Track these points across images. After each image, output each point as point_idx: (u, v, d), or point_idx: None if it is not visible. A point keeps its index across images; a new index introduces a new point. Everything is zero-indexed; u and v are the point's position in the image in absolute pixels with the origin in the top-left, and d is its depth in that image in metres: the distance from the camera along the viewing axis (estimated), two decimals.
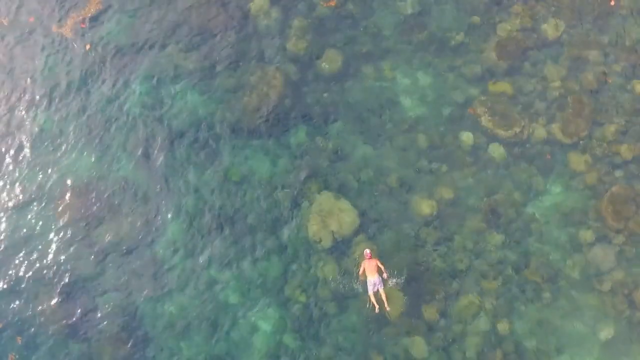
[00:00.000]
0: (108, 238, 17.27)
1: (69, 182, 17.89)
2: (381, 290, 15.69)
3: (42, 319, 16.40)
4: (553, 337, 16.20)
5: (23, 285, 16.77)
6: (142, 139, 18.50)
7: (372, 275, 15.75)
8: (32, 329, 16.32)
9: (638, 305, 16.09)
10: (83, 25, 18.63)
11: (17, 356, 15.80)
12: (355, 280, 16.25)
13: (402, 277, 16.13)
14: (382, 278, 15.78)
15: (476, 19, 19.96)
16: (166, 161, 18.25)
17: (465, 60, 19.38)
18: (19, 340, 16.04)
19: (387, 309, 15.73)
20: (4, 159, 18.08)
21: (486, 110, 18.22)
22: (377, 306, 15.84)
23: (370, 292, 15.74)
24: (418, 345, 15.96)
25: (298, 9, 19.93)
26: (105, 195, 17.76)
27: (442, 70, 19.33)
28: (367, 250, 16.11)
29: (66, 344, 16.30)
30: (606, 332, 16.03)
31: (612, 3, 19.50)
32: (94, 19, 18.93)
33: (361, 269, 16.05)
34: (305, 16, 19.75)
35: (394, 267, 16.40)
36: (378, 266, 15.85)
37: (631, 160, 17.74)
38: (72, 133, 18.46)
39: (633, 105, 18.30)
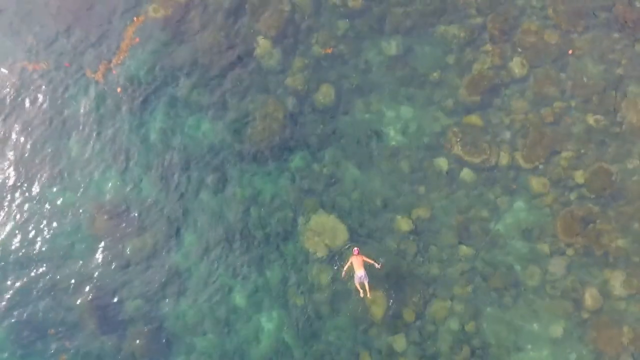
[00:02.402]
0: (133, 250, 19.11)
1: (98, 202, 19.62)
2: (365, 283, 17.88)
3: (82, 323, 18.32)
4: (513, 335, 18.33)
5: (64, 294, 18.57)
6: (162, 163, 20.16)
7: (359, 269, 17.82)
8: (76, 333, 18.21)
9: (584, 307, 18.38)
10: (114, 72, 20.46)
11: (67, 357, 17.88)
12: (341, 270, 18.38)
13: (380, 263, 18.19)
14: (367, 270, 17.82)
15: (452, 58, 21.52)
16: (182, 182, 19.99)
17: (442, 94, 21.03)
18: (67, 344, 18.01)
19: (369, 296, 18.01)
20: (44, 182, 19.90)
21: (459, 139, 20.32)
22: (361, 292, 18.03)
23: (357, 283, 17.96)
24: (398, 341, 18.18)
25: (297, 50, 21.47)
26: (131, 213, 19.55)
27: (421, 104, 20.97)
28: (356, 248, 18.20)
29: (102, 343, 18.22)
30: (557, 331, 18.23)
31: (570, 52, 21.34)
32: (123, 65, 20.69)
33: (348, 263, 18.09)
34: (303, 56, 21.36)
35: (378, 274, 18.46)
36: (364, 261, 17.86)
37: (583, 183, 19.72)
38: (100, 159, 20.19)
39: (586, 136, 20.34)
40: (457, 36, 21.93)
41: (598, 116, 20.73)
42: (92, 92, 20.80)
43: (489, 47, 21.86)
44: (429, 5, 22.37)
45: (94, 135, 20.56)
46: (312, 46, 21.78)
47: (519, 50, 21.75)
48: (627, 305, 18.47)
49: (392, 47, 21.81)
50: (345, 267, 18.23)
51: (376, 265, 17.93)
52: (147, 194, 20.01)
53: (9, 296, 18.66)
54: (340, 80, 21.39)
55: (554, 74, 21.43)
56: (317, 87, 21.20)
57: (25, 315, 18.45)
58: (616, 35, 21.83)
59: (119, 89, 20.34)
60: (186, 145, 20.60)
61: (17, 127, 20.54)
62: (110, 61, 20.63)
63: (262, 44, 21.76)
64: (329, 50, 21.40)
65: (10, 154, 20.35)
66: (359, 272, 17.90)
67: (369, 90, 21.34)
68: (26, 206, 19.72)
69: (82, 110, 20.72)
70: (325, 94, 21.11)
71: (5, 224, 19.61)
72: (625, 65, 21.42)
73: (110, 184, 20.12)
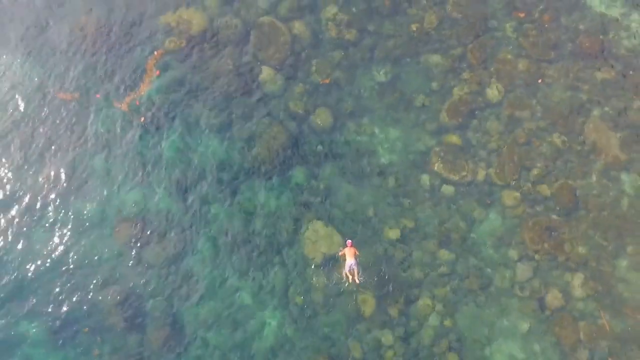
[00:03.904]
0: (153, 256, 21.30)
1: (121, 212, 21.88)
2: (355, 270, 20.35)
3: (109, 320, 20.50)
4: (486, 330, 20.49)
5: (93, 294, 20.74)
6: (177, 178, 22.36)
7: (350, 259, 20.33)
8: (104, 329, 20.40)
9: (547, 306, 20.66)
10: (138, 103, 22.85)
11: (99, 352, 20.16)
12: (337, 262, 20.86)
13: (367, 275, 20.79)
14: (356, 261, 20.39)
15: (435, 84, 23.70)
16: (196, 195, 22.09)
17: (426, 117, 23.18)
18: (99, 340, 20.28)
19: (357, 281, 20.44)
20: (73, 196, 22.19)
21: (441, 158, 22.61)
22: (349, 279, 20.43)
23: (347, 270, 20.37)
24: (385, 336, 20.30)
25: (297, 77, 23.69)
26: (150, 223, 21.76)
27: (408, 126, 23.09)
28: (349, 240, 20.58)
29: (125, 337, 20.42)
30: (524, 326, 20.39)
31: (540, 81, 23.65)
32: (145, 95, 23.07)
33: (342, 252, 20.57)
34: (303, 83, 23.58)
35: (368, 276, 20.82)
36: (355, 253, 20.36)
37: (549, 197, 21.98)
38: (123, 175, 22.41)
39: (552, 155, 22.62)
40: (440, 64, 24.24)
41: (564, 137, 23.04)
42: (117, 119, 23.17)
43: (468, 74, 24.11)
44: (415, 37, 24.75)
45: (117, 154, 22.86)
46: (311, 74, 24.08)
47: (495, 77, 24.02)
48: (584, 304, 20.81)
49: (382, 74, 24.06)
50: (341, 253, 20.70)
51: (357, 277, 20.49)
52: (165, 205, 22.20)
53: (44, 296, 20.99)
54: (336, 104, 23.61)
55: (526, 98, 23.71)
56: (315, 110, 23.41)
57: (60, 313, 20.76)
58: (581, 63, 24.23)
59: (142, 119, 22.70)
60: (199, 162, 22.79)
61: (50, 148, 22.92)
62: (134, 92, 23.08)
63: (266, 72, 23.95)
64: (327, 81, 23.65)
65: (45, 171, 22.69)
66: (350, 261, 20.35)
67: (361, 114, 23.55)
68: (59, 217, 22.06)
69: (107, 134, 23.07)
70: (322, 117, 23.31)
71: (39, 232, 21.90)
72: (588, 90, 23.80)
73: (131, 197, 22.35)
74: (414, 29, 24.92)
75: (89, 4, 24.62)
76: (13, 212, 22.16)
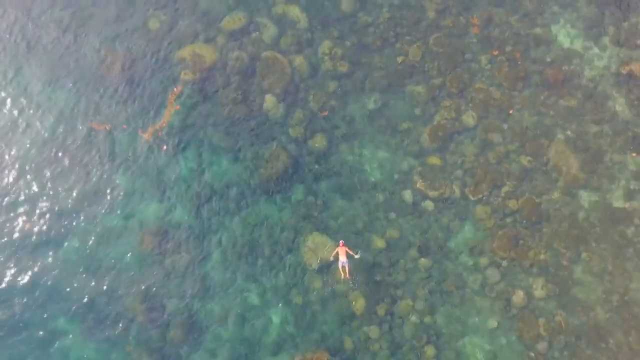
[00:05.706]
0: (172, 262, 24.09)
1: (144, 224, 24.70)
2: (347, 267, 22.89)
3: (135, 318, 23.19)
4: (460, 326, 23.17)
5: (122, 296, 23.59)
6: (193, 194, 25.11)
7: (342, 257, 22.66)
8: (132, 326, 23.19)
9: (512, 305, 23.48)
10: (160, 134, 25.75)
11: (131, 347, 22.96)
12: (332, 267, 23.34)
13: (358, 278, 23.49)
14: (348, 258, 22.73)
15: (418, 110, 26.30)
16: (208, 209, 24.84)
17: (410, 140, 25.79)
18: (130, 338, 23.08)
19: (349, 278, 23.04)
20: (100, 210, 25.07)
21: (422, 176, 25.47)
22: (342, 275, 22.91)
23: (340, 267, 22.93)
24: (373, 331, 23.07)
25: (297, 105, 26.47)
26: (169, 233, 24.52)
27: (394, 148, 25.63)
28: (341, 241, 22.84)
29: (150, 333, 23.16)
30: (493, 323, 23.19)
31: (511, 112, 26.53)
32: (166, 127, 26.06)
33: (335, 252, 22.79)
34: (302, 110, 26.31)
35: (359, 280, 23.60)
36: (347, 252, 22.57)
37: (516, 211, 24.78)
38: (145, 192, 25.26)
39: (520, 174, 25.48)
40: (423, 93, 26.91)
41: (530, 158, 25.82)
42: (142, 147, 26.12)
43: (447, 102, 26.80)
44: (401, 69, 27.67)
45: (141, 175, 25.70)
46: (309, 102, 26.90)
47: (471, 105, 26.77)
48: (544, 303, 23.71)
49: (371, 102, 26.51)
50: (333, 254, 23.17)
51: (355, 255, 22.92)
52: (182, 218, 25.05)
53: (80, 298, 24.00)
54: (331, 129, 26.12)
55: (498, 124, 26.46)
56: (313, 135, 25.91)
57: (93, 312, 23.76)
58: (546, 92, 27.14)
59: (164, 147, 25.73)
60: (211, 181, 25.60)
61: (84, 169, 25.89)
62: (156, 124, 26.11)
63: (269, 100, 26.38)
64: (325, 113, 26.50)
65: (78, 188, 25.64)
66: (342, 259, 22.96)
67: (353, 137, 26.03)
68: (90, 228, 25.04)
69: (133, 159, 25.97)
70: (319, 141, 25.81)
71: (72, 242, 24.89)
72: (553, 116, 26.70)
73: (153, 211, 25.20)
74: (400, 61, 27.72)
75: (113, 43, 27.64)
76: (47, 225, 25.05)
